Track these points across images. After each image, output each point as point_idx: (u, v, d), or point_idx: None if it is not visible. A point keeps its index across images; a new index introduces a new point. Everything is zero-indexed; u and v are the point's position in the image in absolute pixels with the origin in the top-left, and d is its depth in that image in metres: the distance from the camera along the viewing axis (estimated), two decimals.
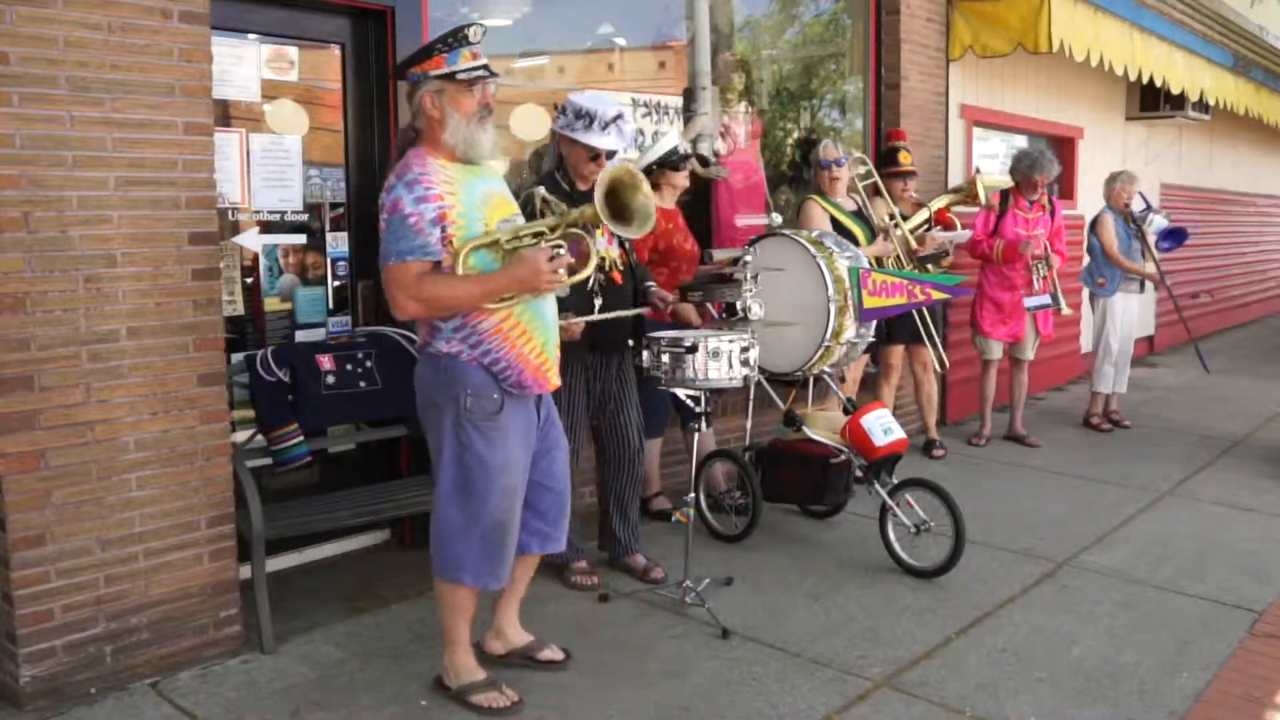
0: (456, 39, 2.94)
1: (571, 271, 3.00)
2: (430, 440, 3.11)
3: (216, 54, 3.45)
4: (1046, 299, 6.33)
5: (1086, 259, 7.13)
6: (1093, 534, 4.83)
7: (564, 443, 3.29)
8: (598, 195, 2.90)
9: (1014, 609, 3.95)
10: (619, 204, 2.99)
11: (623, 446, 4.18)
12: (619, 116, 3.89)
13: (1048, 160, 6.32)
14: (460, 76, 2.93)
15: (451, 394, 2.97)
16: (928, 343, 5.86)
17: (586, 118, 3.85)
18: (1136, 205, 6.95)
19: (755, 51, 6.72)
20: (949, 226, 6.15)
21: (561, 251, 2.92)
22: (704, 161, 4.91)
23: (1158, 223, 6.83)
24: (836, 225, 5.35)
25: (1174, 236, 6.98)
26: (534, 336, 3.01)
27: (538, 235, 2.96)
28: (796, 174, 6.71)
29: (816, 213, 5.36)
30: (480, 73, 2.96)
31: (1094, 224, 6.94)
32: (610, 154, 3.92)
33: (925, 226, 6.11)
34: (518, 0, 5.52)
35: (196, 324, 3.35)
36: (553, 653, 3.43)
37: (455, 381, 2.96)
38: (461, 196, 2.93)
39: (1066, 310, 6.50)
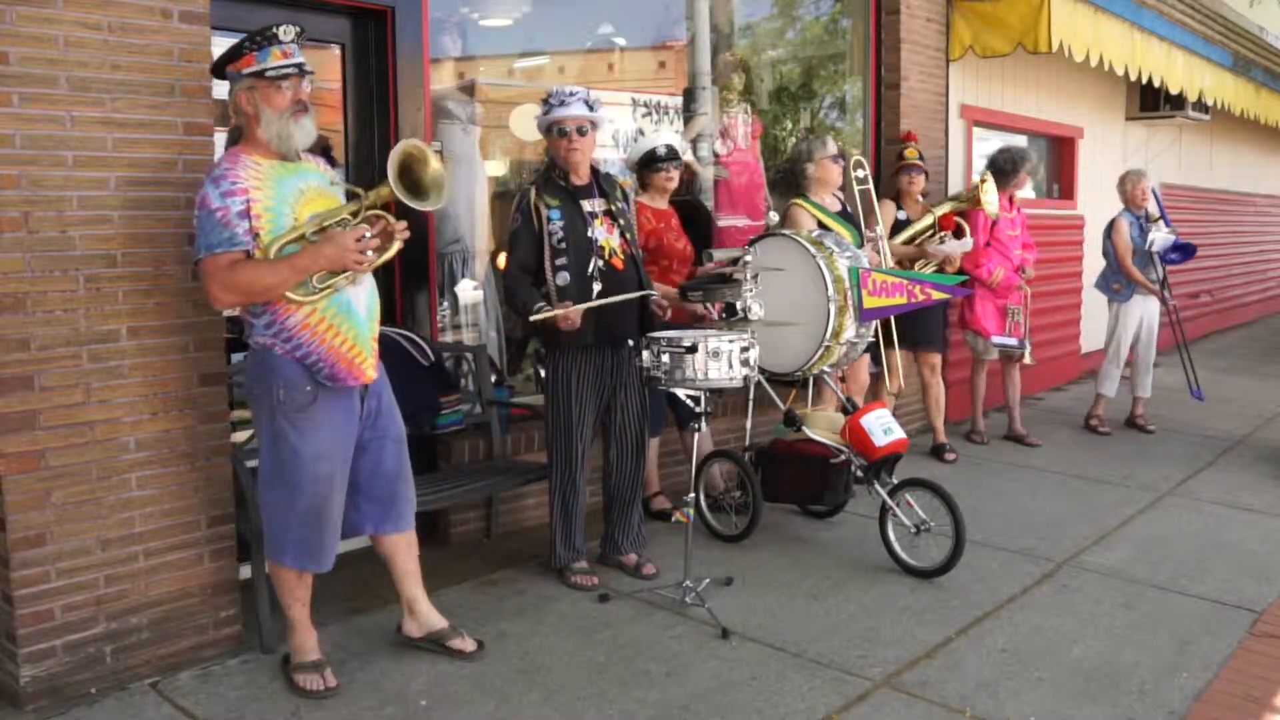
0: (265, 38, 3.02)
1: (379, 251, 3.09)
2: (254, 427, 3.23)
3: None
4: (1013, 342, 6.30)
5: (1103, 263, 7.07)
6: (1093, 534, 4.83)
7: (395, 431, 3.35)
8: (391, 172, 2.98)
9: (1014, 609, 3.95)
10: (413, 180, 3.05)
11: (626, 442, 4.19)
12: (575, 91, 4.00)
13: (1025, 151, 6.48)
14: (269, 74, 3.01)
15: (267, 386, 3.07)
16: (884, 359, 5.81)
17: (547, 104, 4.01)
18: (1151, 206, 6.92)
19: (755, 52, 6.72)
20: (958, 231, 6.08)
21: (367, 234, 3.00)
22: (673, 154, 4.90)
23: (1160, 240, 6.78)
24: (822, 228, 5.24)
25: (1182, 250, 6.92)
26: (342, 330, 3.07)
27: (341, 223, 3.04)
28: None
29: (804, 218, 5.26)
30: (289, 69, 3.03)
31: (1109, 229, 6.89)
32: (580, 129, 3.96)
33: (929, 233, 6.07)
34: (518, 0, 5.53)
35: (196, 324, 3.35)
36: (463, 642, 3.47)
37: (270, 374, 3.06)
38: (270, 191, 3.01)
39: (1030, 360, 6.46)
